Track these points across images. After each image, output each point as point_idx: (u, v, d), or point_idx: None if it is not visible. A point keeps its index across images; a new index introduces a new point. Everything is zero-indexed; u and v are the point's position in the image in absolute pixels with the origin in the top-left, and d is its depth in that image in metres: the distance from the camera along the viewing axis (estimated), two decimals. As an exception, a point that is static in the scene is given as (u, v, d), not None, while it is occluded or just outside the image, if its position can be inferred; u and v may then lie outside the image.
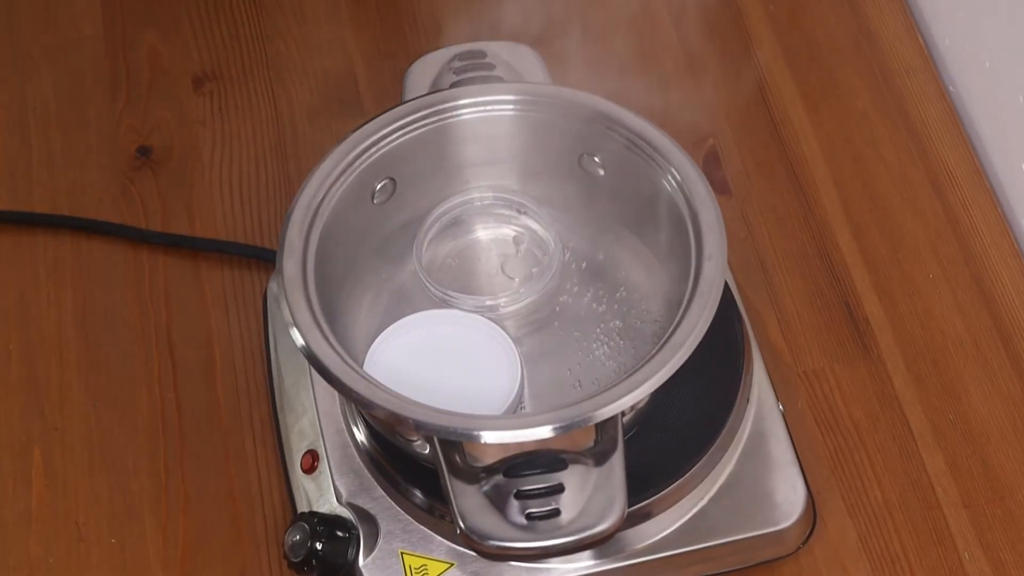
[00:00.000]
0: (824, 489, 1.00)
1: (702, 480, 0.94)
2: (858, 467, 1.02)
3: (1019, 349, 1.06)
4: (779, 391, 1.00)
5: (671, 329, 0.86)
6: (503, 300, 0.95)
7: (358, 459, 0.96)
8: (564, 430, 0.82)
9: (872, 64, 1.20)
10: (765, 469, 0.96)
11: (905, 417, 1.03)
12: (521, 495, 0.83)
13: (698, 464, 0.94)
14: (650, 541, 0.94)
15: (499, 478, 0.83)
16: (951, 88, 1.19)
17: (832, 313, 1.08)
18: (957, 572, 0.98)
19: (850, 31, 1.22)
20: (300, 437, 0.99)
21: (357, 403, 0.85)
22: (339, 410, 0.98)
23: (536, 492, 0.83)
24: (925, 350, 1.06)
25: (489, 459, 0.84)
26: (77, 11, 1.25)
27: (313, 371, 0.98)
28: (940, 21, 1.22)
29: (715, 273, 0.88)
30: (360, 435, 0.96)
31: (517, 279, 0.98)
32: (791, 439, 0.98)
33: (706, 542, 0.94)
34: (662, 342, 0.85)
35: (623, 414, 0.85)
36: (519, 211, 0.99)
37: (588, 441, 0.84)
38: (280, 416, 1.02)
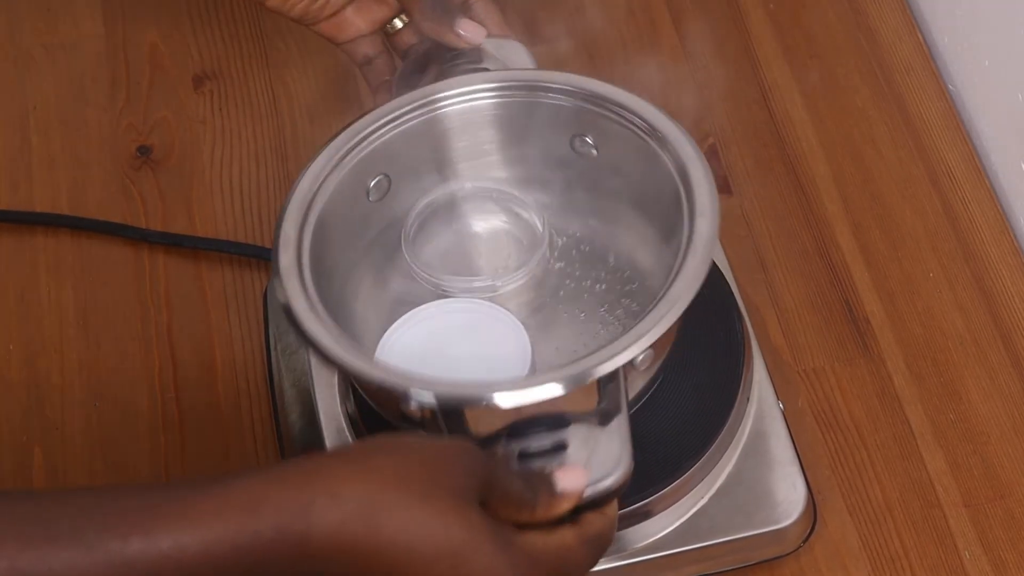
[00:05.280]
0: (824, 488, 1.00)
1: (702, 479, 0.94)
2: (858, 466, 1.02)
3: (1019, 347, 1.06)
4: (779, 390, 1.00)
5: (666, 286, 0.85)
6: (495, 282, 0.94)
7: (359, 458, 0.96)
8: (569, 385, 0.81)
9: (872, 62, 1.20)
10: (765, 468, 0.96)
11: (905, 416, 1.03)
12: (525, 455, 0.81)
13: (698, 463, 0.94)
14: (650, 540, 0.94)
15: (502, 445, 0.82)
16: (950, 86, 1.19)
17: (832, 312, 1.08)
18: (957, 571, 0.98)
19: (850, 29, 1.22)
20: (300, 436, 0.99)
21: (353, 377, 0.83)
22: (339, 410, 0.98)
23: (540, 452, 0.81)
24: (925, 349, 1.06)
25: (492, 429, 0.83)
26: (77, 11, 1.25)
27: (314, 370, 0.99)
28: (939, 19, 1.22)
29: (707, 228, 0.87)
30: (361, 433, 0.96)
31: (507, 262, 0.97)
32: (791, 438, 0.98)
33: (706, 541, 0.94)
34: (659, 298, 0.85)
35: (625, 377, 0.84)
36: (503, 196, 0.98)
37: (591, 405, 0.84)
38: (280, 416, 1.02)
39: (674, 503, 0.94)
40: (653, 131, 0.92)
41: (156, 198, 1.15)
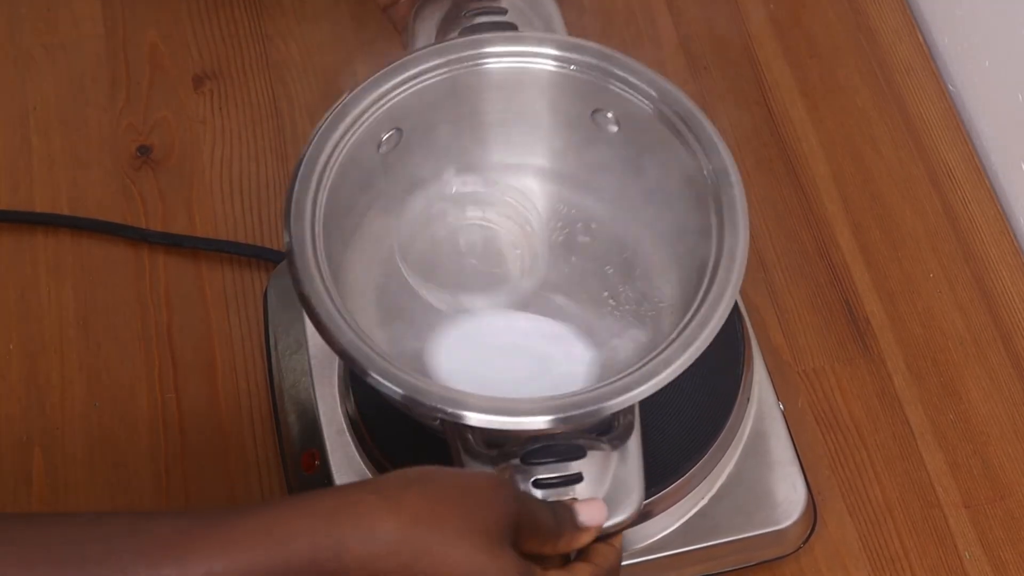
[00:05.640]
0: (824, 488, 1.01)
1: (703, 479, 0.94)
2: (858, 466, 1.02)
3: (1019, 348, 1.06)
4: (779, 390, 1.00)
5: (683, 324, 0.84)
6: (510, 295, 0.93)
7: (359, 459, 0.96)
8: (571, 421, 0.81)
9: (872, 62, 1.20)
10: (765, 468, 0.96)
11: (905, 416, 1.03)
12: (539, 484, 0.81)
13: (699, 463, 0.94)
14: (651, 540, 0.94)
15: (515, 463, 0.82)
16: (950, 86, 1.19)
17: (832, 312, 1.08)
18: (957, 572, 0.98)
19: (850, 29, 1.22)
20: (300, 437, 0.99)
21: (357, 371, 0.82)
22: (340, 410, 0.98)
23: (554, 481, 0.81)
24: (925, 349, 1.06)
25: (505, 444, 0.82)
26: (77, 11, 1.25)
27: (313, 370, 0.99)
28: (939, 19, 1.22)
29: (735, 278, 0.87)
30: (361, 434, 0.96)
31: (513, 263, 0.95)
32: (791, 438, 0.98)
33: (707, 541, 0.94)
34: (686, 320, 0.84)
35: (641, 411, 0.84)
36: (500, 194, 0.96)
37: (606, 424, 0.83)
38: (280, 415, 1.01)
39: (674, 503, 0.94)
40: (679, 120, 0.90)
41: (156, 198, 1.15)
